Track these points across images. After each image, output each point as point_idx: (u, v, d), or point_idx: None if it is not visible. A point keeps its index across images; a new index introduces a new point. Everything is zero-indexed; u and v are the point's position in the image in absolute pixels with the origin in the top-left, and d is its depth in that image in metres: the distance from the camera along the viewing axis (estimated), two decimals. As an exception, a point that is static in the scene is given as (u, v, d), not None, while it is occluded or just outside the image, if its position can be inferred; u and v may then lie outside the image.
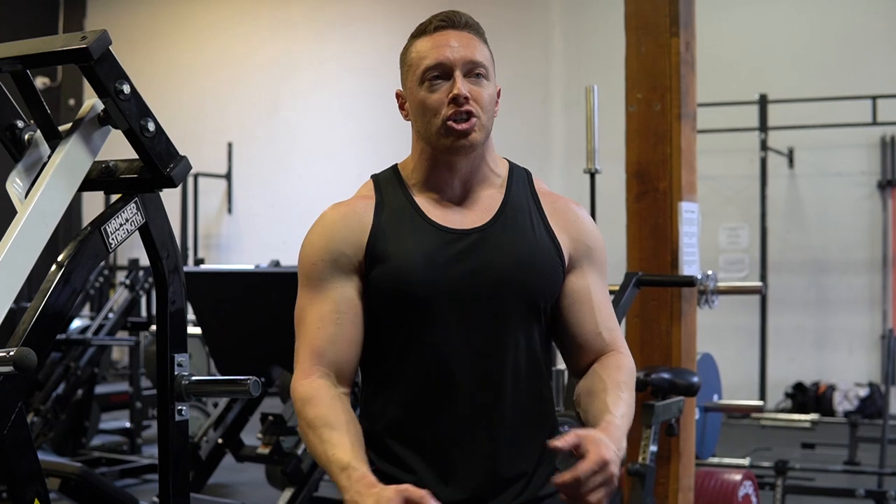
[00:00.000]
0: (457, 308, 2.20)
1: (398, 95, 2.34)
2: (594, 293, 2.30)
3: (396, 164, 2.37)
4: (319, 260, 2.26)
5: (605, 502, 1.99)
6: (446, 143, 2.23)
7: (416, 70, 2.25)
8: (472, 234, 2.25)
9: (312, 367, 2.23)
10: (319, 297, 2.25)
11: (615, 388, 2.20)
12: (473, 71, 2.23)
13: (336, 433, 2.13)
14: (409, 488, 1.97)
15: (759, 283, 5.97)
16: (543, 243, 2.27)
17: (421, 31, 2.28)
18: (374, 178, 2.38)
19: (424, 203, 2.29)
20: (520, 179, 2.36)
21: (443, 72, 2.23)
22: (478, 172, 2.30)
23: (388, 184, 2.33)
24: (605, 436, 2.05)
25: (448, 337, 2.19)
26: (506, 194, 2.31)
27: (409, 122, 2.32)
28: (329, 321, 2.23)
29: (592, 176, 4.68)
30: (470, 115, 2.21)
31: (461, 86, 2.20)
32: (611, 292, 3.81)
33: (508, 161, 2.39)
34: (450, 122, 2.21)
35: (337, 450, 2.11)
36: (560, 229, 2.31)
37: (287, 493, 5.57)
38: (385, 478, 2.15)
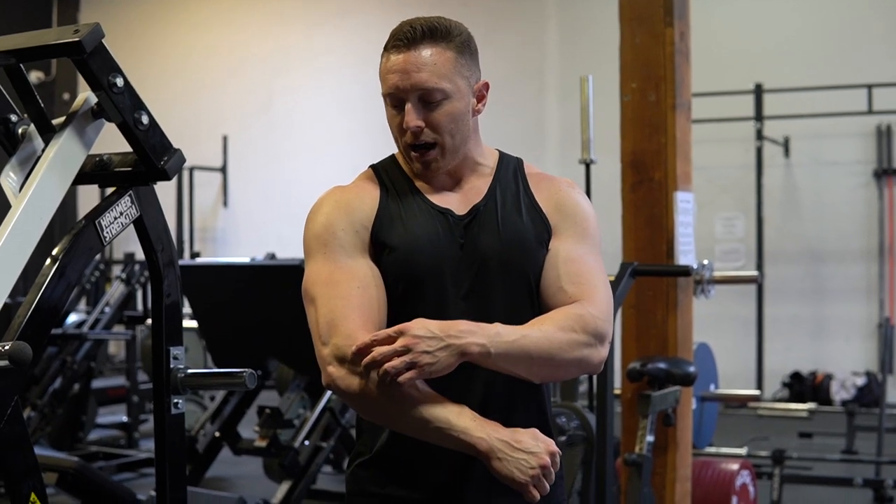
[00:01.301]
0: (455, 288, 2.22)
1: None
2: (562, 251, 2.26)
3: (394, 154, 2.38)
4: (341, 230, 2.22)
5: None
6: (413, 166, 2.28)
7: (381, 86, 2.26)
8: (465, 218, 2.27)
9: (366, 333, 2.12)
10: (350, 263, 2.20)
11: (538, 321, 2.17)
12: (426, 98, 2.21)
13: (430, 388, 2.11)
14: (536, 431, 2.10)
15: (755, 273, 5.98)
16: (531, 220, 2.28)
17: (385, 46, 2.26)
18: (374, 166, 2.38)
19: (424, 189, 2.31)
20: (509, 166, 2.37)
21: (396, 101, 2.23)
22: (463, 166, 2.32)
23: (389, 171, 2.34)
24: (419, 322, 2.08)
25: (447, 317, 2.17)
26: (493, 179, 2.33)
27: None
28: (371, 285, 2.19)
29: (588, 166, 4.68)
30: (426, 145, 2.23)
31: (410, 118, 2.20)
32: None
33: (499, 151, 2.40)
34: (409, 150, 2.25)
35: (447, 401, 2.09)
36: (544, 202, 2.32)
37: (284, 486, 5.58)
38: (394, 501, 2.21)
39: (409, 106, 2.20)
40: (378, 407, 2.11)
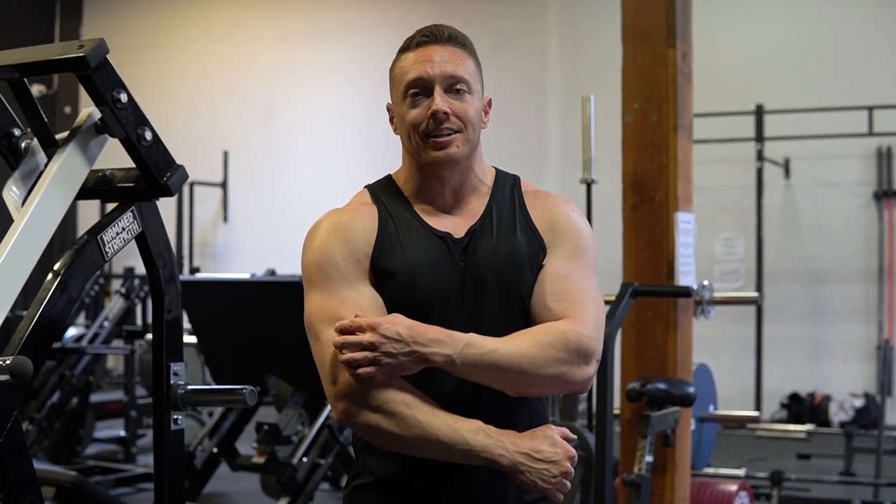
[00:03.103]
0: (455, 311, 2.22)
1: (388, 109, 2.35)
2: (551, 268, 2.26)
3: (390, 175, 2.38)
4: (342, 259, 2.22)
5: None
6: (427, 158, 2.24)
7: (399, 85, 2.27)
8: (463, 241, 2.27)
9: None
10: (352, 294, 2.20)
11: (519, 335, 2.17)
12: (454, 86, 2.24)
13: (438, 408, 2.14)
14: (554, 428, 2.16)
15: (754, 294, 5.98)
16: (525, 239, 2.28)
17: (405, 47, 2.29)
18: (369, 187, 2.37)
19: (422, 212, 2.30)
20: (506, 184, 2.36)
21: (423, 87, 2.23)
22: (467, 183, 2.31)
23: (386, 193, 2.33)
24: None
25: None
26: (490, 198, 2.32)
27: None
28: (374, 313, 2.17)
29: (589, 186, 4.68)
30: (451, 131, 2.23)
31: (440, 102, 2.21)
32: (606, 302, 3.82)
33: (496, 169, 2.40)
34: (431, 139, 2.23)
35: (450, 418, 2.12)
36: (539, 220, 2.31)
37: (282, 503, 5.57)
38: None
39: (438, 90, 2.22)
40: (395, 438, 2.13)
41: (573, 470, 2.14)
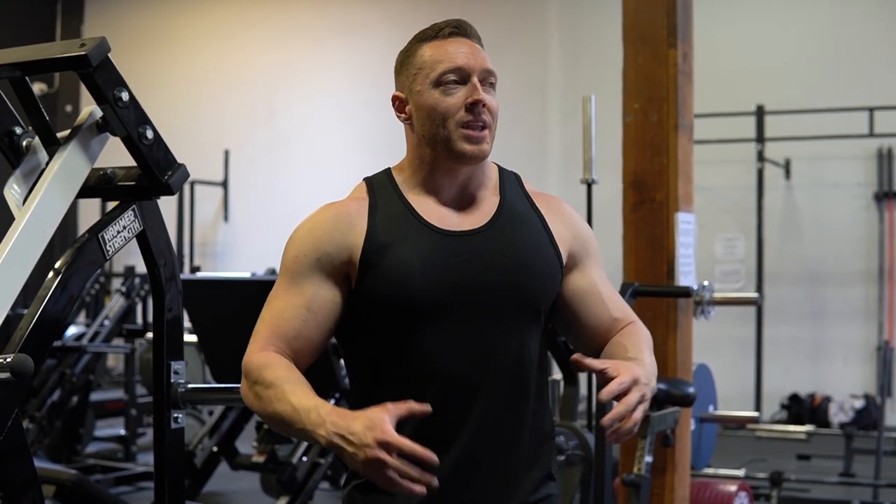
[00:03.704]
0: (456, 312, 2.17)
1: (396, 98, 2.29)
2: (600, 284, 2.32)
3: (390, 168, 2.33)
4: (302, 255, 2.20)
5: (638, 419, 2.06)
6: (457, 150, 2.20)
7: (428, 73, 2.21)
8: (471, 237, 2.22)
9: (271, 345, 2.17)
10: (293, 289, 2.19)
11: (636, 346, 2.24)
12: (488, 80, 2.22)
13: (299, 387, 2.07)
14: (391, 405, 1.94)
15: (755, 294, 5.99)
16: (543, 245, 2.26)
17: (431, 36, 2.25)
18: (367, 180, 2.33)
19: (420, 206, 2.25)
20: (511, 182, 2.34)
21: (461, 77, 2.20)
22: (475, 178, 2.28)
23: (381, 186, 2.29)
24: (634, 364, 2.12)
25: (445, 342, 2.16)
26: (501, 197, 2.29)
27: (404, 128, 2.29)
28: (296, 316, 2.18)
29: (589, 186, 4.68)
30: (485, 125, 2.20)
31: (480, 93, 2.19)
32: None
33: (496, 164, 2.38)
34: (465, 129, 2.19)
35: (301, 397, 2.04)
36: (557, 228, 2.30)
37: (282, 502, 5.57)
38: None
39: (475, 80, 2.20)
40: (261, 415, 2.13)
41: (383, 457, 1.87)
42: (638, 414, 2.04)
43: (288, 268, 2.21)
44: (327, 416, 1.97)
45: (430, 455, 1.91)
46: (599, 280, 2.32)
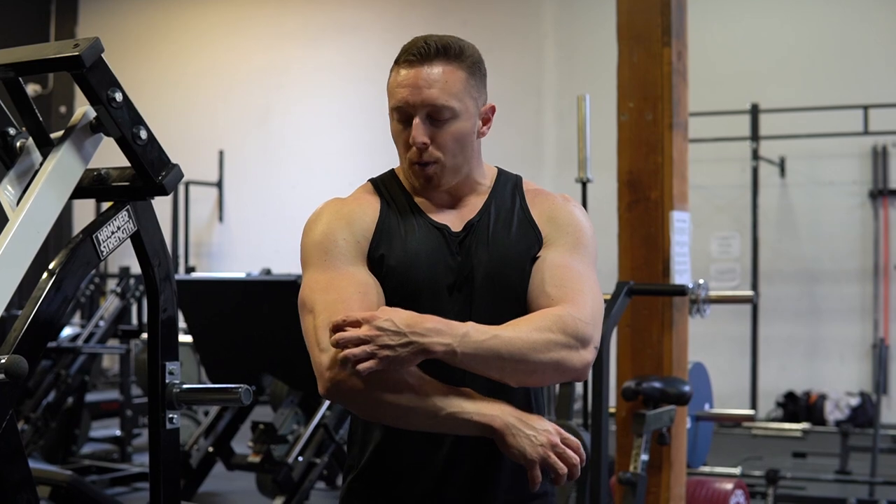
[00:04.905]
0: (451, 304, 2.22)
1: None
2: (549, 257, 2.25)
3: (393, 169, 2.38)
4: (342, 239, 2.22)
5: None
6: (414, 181, 2.28)
7: (389, 100, 2.24)
8: (460, 234, 2.27)
9: None
10: (352, 269, 2.19)
11: (513, 322, 2.13)
12: (435, 114, 2.20)
13: (438, 383, 2.10)
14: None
15: (750, 293, 5.98)
16: (522, 234, 2.28)
17: (396, 60, 2.25)
18: (372, 180, 2.38)
19: (423, 205, 2.30)
20: (507, 183, 2.37)
21: (403, 116, 2.22)
22: (463, 186, 2.32)
23: (388, 185, 2.34)
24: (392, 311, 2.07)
25: None
26: (489, 196, 2.33)
27: None
28: (372, 292, 2.18)
29: (584, 185, 4.68)
30: (430, 161, 2.22)
31: (416, 134, 2.19)
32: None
33: (498, 168, 2.40)
34: (414, 166, 2.24)
35: (449, 386, 2.10)
36: (538, 215, 2.32)
37: (278, 502, 5.57)
38: None
39: (416, 121, 2.19)
40: (386, 406, 2.09)
41: (570, 455, 2.06)
42: (357, 350, 1.99)
43: (329, 251, 2.22)
44: (495, 402, 2.09)
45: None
46: (556, 255, 2.25)
